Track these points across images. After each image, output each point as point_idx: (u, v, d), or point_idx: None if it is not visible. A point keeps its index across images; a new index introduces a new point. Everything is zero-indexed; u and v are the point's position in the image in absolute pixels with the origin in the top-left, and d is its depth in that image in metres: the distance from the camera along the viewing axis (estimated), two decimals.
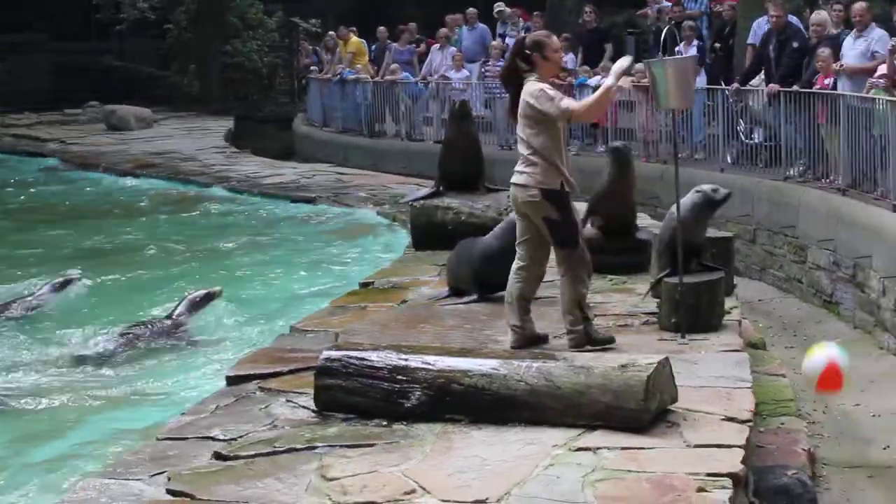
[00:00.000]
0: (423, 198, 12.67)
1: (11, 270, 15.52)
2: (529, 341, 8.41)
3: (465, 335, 8.91)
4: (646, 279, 9.79)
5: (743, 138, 16.33)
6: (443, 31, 23.73)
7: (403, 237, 15.24)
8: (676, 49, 16.91)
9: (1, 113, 33.01)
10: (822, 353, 8.55)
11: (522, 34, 21.54)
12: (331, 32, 27.47)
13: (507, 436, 6.68)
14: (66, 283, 13.76)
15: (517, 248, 8.49)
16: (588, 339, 8.29)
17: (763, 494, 7.12)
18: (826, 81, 14.35)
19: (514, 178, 8.31)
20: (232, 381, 8.34)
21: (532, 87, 8.30)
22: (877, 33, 14.18)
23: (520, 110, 8.28)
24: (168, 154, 26.54)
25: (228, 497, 6.10)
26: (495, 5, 23.68)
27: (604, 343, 8.30)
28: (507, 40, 22.21)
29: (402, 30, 25.05)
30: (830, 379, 8.44)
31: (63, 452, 8.66)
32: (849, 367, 8.82)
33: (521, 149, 8.31)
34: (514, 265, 8.48)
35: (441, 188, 12.63)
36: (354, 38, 25.57)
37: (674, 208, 9.02)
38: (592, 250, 8.68)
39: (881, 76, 13.27)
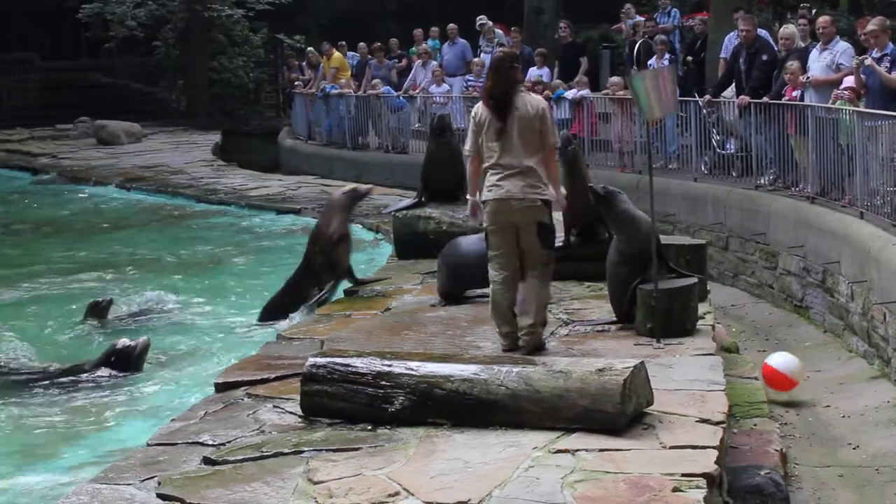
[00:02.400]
0: (406, 208, 12.67)
1: (4, 284, 15.50)
2: (517, 344, 8.49)
3: (446, 341, 8.91)
4: None
5: (717, 149, 16.37)
6: (423, 47, 23.76)
7: (387, 247, 15.25)
8: (649, 63, 16.97)
9: None
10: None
11: (498, 49, 21.88)
12: (309, 49, 27.53)
13: (488, 439, 6.68)
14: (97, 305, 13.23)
15: (496, 260, 8.49)
16: (543, 343, 8.48)
17: (737, 494, 7.14)
18: (794, 93, 14.40)
19: (513, 191, 8.27)
20: (220, 387, 8.34)
21: (540, 102, 8.51)
22: (841, 46, 14.23)
23: (526, 122, 8.29)
24: (157, 167, 26.53)
25: (217, 500, 6.09)
26: (477, 18, 23.66)
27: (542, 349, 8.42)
28: (483, 55, 22.24)
29: (381, 47, 25.09)
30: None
31: (54, 461, 8.64)
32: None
33: (523, 160, 8.28)
34: (498, 276, 8.48)
35: (423, 199, 12.63)
36: (337, 54, 25.61)
37: None
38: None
39: (846, 88, 13.32)
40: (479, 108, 8.53)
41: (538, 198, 8.31)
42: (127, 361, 10.89)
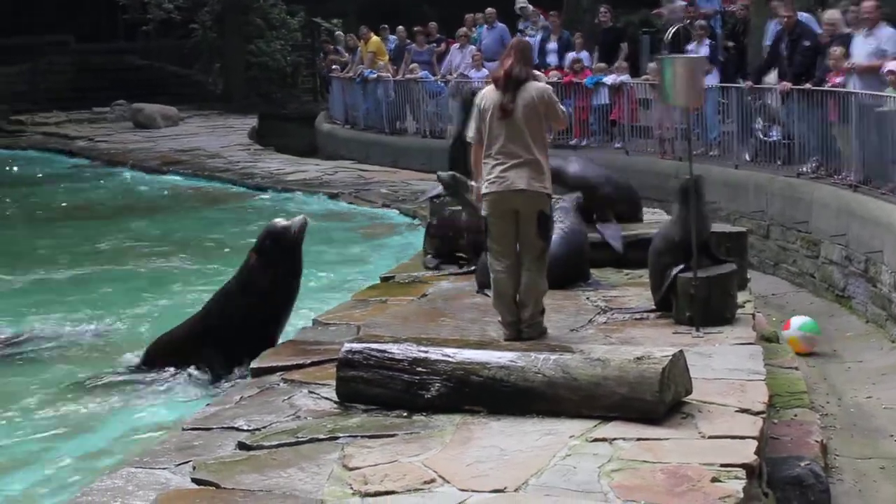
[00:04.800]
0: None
1: (40, 267, 15.59)
2: (520, 333, 8.52)
3: (483, 328, 8.90)
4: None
5: (761, 136, 16.26)
6: (462, 30, 23.69)
7: (423, 232, 15.22)
8: (688, 48, 16.85)
9: (30, 112, 33.16)
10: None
11: (540, 33, 21.82)
12: (338, 32, 27.55)
13: (524, 427, 6.68)
14: None
15: (497, 250, 8.54)
16: (545, 329, 8.58)
17: (776, 485, 7.11)
18: (838, 80, 14.28)
19: (517, 182, 8.32)
20: (256, 372, 8.37)
21: (543, 87, 8.61)
22: (886, 32, 14.07)
23: (532, 108, 8.37)
24: (194, 151, 26.65)
25: (252, 486, 6.11)
26: (518, 1, 23.57)
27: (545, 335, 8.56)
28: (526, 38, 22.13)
29: (421, 31, 25.04)
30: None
31: (92, 445, 8.68)
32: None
33: (528, 150, 8.34)
34: (500, 265, 8.53)
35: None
36: (374, 38, 25.61)
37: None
38: None
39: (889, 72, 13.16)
40: (485, 94, 8.60)
41: (542, 189, 8.39)
42: (286, 242, 10.12)
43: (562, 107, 8.71)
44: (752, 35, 18.19)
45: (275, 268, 10.17)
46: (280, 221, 10.40)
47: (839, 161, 14.29)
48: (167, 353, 10.29)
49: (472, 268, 10.62)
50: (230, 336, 9.97)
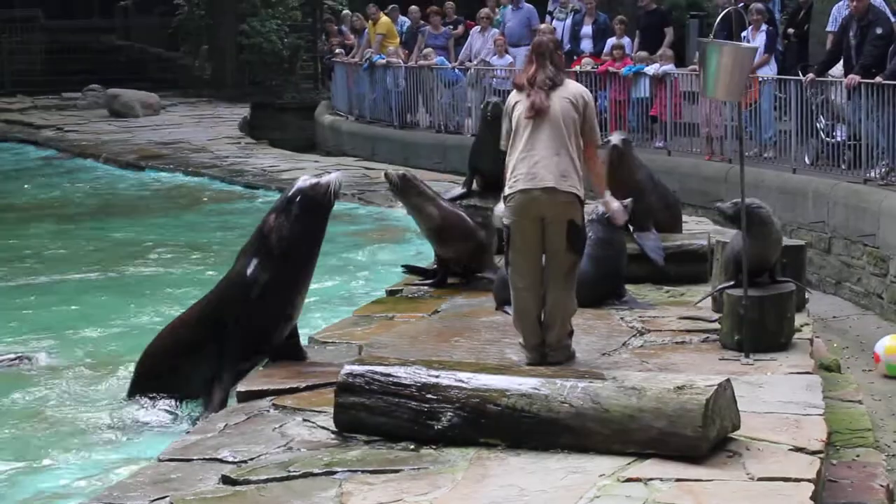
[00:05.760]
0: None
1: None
2: (545, 357, 8.54)
3: (502, 350, 8.92)
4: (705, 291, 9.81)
5: (823, 136, 16.24)
6: (484, 11, 23.72)
7: None
8: (743, 34, 16.85)
9: None
10: None
11: (571, 16, 21.83)
12: (344, 11, 27.60)
13: (548, 463, 6.69)
14: None
15: (519, 262, 8.55)
16: (573, 353, 8.63)
17: None
18: None
19: (546, 179, 8.32)
20: (243, 396, 8.40)
21: (583, 89, 8.70)
22: None
23: (569, 105, 8.42)
24: (176, 144, 26.75)
25: None
26: None
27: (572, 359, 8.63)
28: (555, 22, 22.18)
29: (436, 11, 25.08)
30: None
31: (55, 479, 8.68)
32: None
33: (558, 145, 8.36)
34: (522, 282, 8.56)
35: (471, 189, 12.64)
36: (384, 19, 25.66)
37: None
38: None
39: None
40: (514, 97, 8.62)
41: (573, 192, 8.38)
42: (315, 204, 9.45)
43: (596, 125, 8.70)
44: (815, 21, 18.21)
45: (299, 234, 9.33)
46: (307, 179, 9.72)
47: None
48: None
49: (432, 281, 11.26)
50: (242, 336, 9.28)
